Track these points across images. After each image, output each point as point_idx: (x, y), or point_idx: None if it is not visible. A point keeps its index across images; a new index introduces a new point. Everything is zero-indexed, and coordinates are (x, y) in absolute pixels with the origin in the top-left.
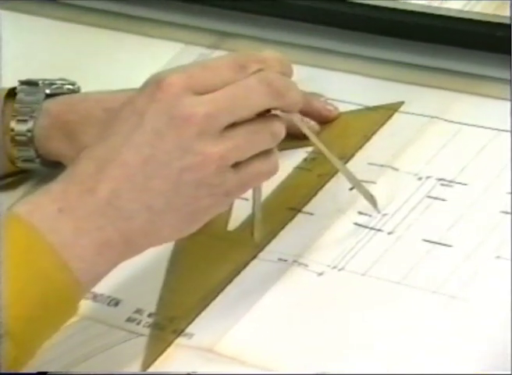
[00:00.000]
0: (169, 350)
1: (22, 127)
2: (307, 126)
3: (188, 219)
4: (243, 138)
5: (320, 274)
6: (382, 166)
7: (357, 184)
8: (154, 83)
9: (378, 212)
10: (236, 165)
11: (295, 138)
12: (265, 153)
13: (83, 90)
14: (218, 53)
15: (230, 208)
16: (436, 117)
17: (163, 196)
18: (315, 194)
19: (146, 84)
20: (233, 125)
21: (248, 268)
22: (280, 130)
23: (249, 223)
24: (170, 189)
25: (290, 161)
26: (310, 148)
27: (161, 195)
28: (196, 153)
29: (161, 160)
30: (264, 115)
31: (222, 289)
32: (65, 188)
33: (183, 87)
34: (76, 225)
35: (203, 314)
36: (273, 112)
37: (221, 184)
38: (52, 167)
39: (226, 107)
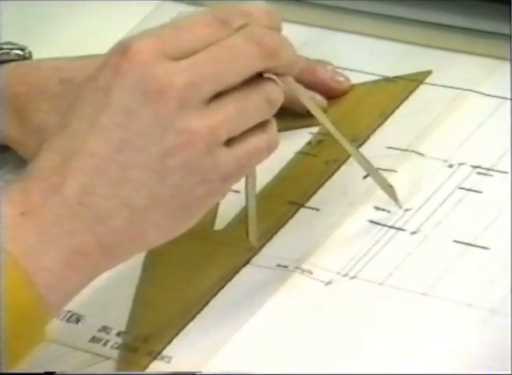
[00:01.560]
0: None
1: None
2: (309, 96)
3: (177, 215)
4: (234, 108)
5: (327, 283)
6: (404, 150)
7: (372, 172)
8: (119, 52)
9: (400, 206)
10: (228, 142)
11: (296, 116)
12: (262, 125)
13: (35, 56)
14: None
15: (217, 203)
16: (470, 90)
17: (144, 189)
18: (322, 185)
19: (109, 55)
20: (219, 94)
21: (239, 276)
22: (277, 95)
23: (241, 221)
24: (152, 179)
25: (291, 145)
26: (315, 129)
27: (141, 188)
28: (179, 131)
29: (138, 145)
30: (256, 79)
31: (207, 302)
32: (25, 187)
33: (155, 53)
34: (41, 231)
35: (183, 332)
36: (265, 76)
37: (214, 167)
38: None
39: (210, 73)
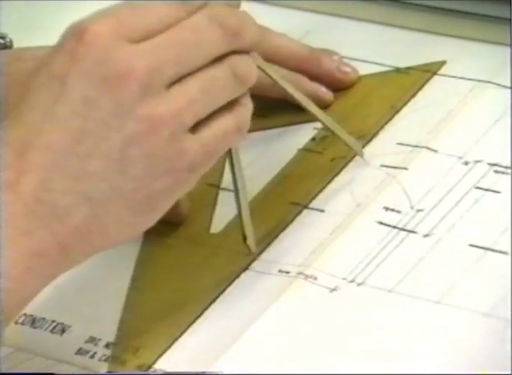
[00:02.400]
0: None
1: None
2: (275, 68)
3: (140, 209)
4: (198, 89)
5: (333, 290)
6: (415, 146)
7: (337, 130)
8: (74, 35)
9: (362, 157)
10: (194, 127)
11: (299, 109)
12: (230, 105)
13: (16, 45)
14: None
15: (214, 204)
16: (487, 81)
17: (105, 181)
18: (327, 184)
19: (63, 39)
20: (182, 77)
21: (237, 283)
22: (245, 68)
23: (238, 223)
24: (113, 171)
25: (294, 141)
26: (319, 124)
27: (102, 181)
28: (140, 118)
29: (97, 134)
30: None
31: (203, 311)
32: None
33: (113, 35)
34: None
35: (177, 344)
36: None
37: (180, 156)
38: None
39: (173, 56)
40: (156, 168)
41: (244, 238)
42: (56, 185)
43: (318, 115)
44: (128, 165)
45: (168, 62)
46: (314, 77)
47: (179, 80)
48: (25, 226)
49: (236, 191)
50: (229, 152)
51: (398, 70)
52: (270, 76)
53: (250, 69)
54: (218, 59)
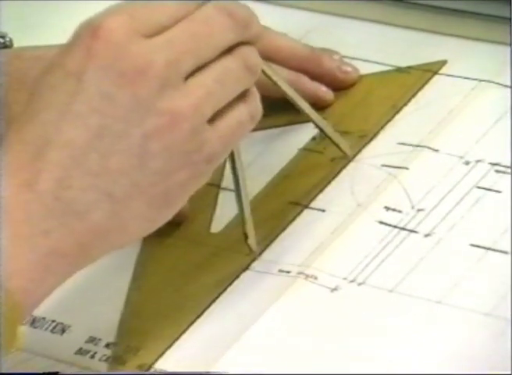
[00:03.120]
0: None
1: None
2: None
3: (159, 203)
4: (214, 81)
5: (333, 290)
6: (416, 146)
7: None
8: (88, 32)
9: (349, 155)
10: (210, 119)
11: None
12: (242, 96)
13: (16, 44)
14: None
15: (214, 204)
16: (488, 81)
17: (125, 177)
18: (327, 184)
19: (77, 36)
20: (196, 70)
21: (238, 283)
22: (254, 59)
23: (239, 223)
24: (134, 166)
25: (294, 140)
26: None
27: (122, 176)
28: (161, 112)
29: (117, 130)
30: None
31: (203, 311)
32: None
33: (127, 30)
34: (14, 231)
35: (177, 344)
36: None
37: (199, 148)
38: None
39: (188, 48)
40: (175, 161)
41: (245, 237)
42: (76, 182)
43: (306, 110)
44: (148, 159)
45: (185, 54)
46: (315, 77)
47: (194, 72)
48: (43, 225)
49: (237, 189)
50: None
51: (399, 70)
52: (264, 72)
53: (258, 59)
54: (227, 51)
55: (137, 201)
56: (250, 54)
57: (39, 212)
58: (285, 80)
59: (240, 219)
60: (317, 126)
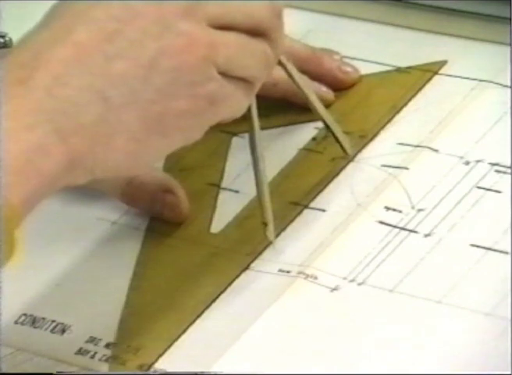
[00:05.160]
0: None
1: None
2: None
3: (152, 124)
4: (235, 41)
5: (333, 289)
6: (416, 146)
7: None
8: None
9: (349, 154)
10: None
11: (300, 109)
12: (245, 82)
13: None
14: None
15: (214, 204)
16: (488, 81)
17: (126, 85)
18: (327, 184)
19: None
20: (224, 27)
21: (238, 282)
22: (272, 57)
23: (240, 223)
24: (138, 76)
25: (294, 140)
26: (320, 123)
27: (124, 83)
28: (180, 32)
29: (132, 38)
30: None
31: (203, 310)
32: None
33: None
34: (3, 125)
35: (177, 344)
36: None
37: (204, 83)
38: None
39: (222, 4)
40: (178, 86)
41: (264, 225)
42: (74, 80)
43: (316, 105)
44: (154, 74)
45: (213, 3)
46: (315, 77)
47: (221, 27)
48: (28, 120)
49: (256, 176)
50: (251, 139)
51: (399, 70)
52: (282, 64)
53: (275, 58)
54: (256, 34)
55: (130, 113)
56: (269, 49)
57: (27, 107)
58: (297, 71)
59: (242, 219)
60: (322, 120)
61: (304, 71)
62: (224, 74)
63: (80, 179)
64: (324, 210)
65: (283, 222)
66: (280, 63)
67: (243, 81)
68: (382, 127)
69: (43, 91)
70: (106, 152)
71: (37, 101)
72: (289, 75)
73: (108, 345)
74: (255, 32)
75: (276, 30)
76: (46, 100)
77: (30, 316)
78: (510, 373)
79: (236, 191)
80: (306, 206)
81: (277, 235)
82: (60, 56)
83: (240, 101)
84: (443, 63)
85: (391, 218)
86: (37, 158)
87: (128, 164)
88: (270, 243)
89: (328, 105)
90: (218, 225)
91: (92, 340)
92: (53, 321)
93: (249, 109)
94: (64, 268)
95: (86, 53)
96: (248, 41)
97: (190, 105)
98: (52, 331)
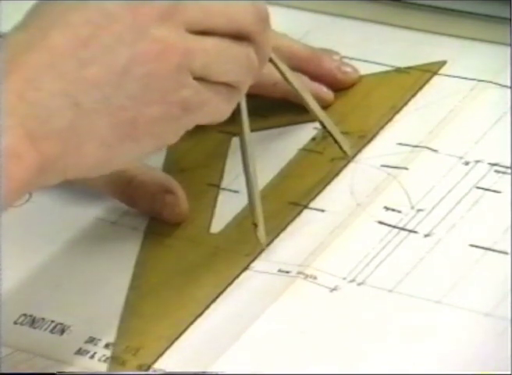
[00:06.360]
0: None
1: None
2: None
3: (124, 131)
4: (214, 46)
5: (333, 290)
6: (415, 146)
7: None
8: None
9: (349, 155)
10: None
11: (299, 109)
12: (227, 87)
13: None
14: None
15: (214, 204)
16: (488, 81)
17: (99, 91)
18: (327, 184)
19: None
20: (203, 32)
21: (237, 283)
22: (257, 60)
23: (239, 223)
24: (111, 83)
25: (294, 141)
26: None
27: (96, 89)
28: (155, 39)
29: (106, 43)
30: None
31: (203, 311)
32: None
33: None
34: None
35: (177, 344)
36: None
37: (177, 90)
38: None
39: (199, 4)
40: (151, 93)
41: (255, 226)
42: (46, 85)
43: (311, 105)
44: (126, 81)
45: (194, 4)
46: (315, 77)
47: (201, 32)
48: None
49: (247, 178)
50: (241, 141)
51: (398, 70)
52: (271, 61)
53: (263, 63)
54: (239, 38)
55: (102, 119)
56: (253, 54)
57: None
58: (292, 72)
59: (242, 219)
60: (320, 122)
61: (303, 71)
62: (202, 80)
63: (52, 181)
64: (323, 210)
65: (283, 222)
66: (274, 65)
67: (225, 86)
68: (382, 127)
69: (14, 94)
70: (77, 157)
71: (8, 104)
72: (284, 77)
73: (107, 345)
74: (238, 36)
75: (261, 33)
76: (17, 104)
77: (30, 316)
78: (510, 373)
79: (236, 191)
80: (305, 206)
81: (277, 235)
82: (34, 61)
83: (221, 106)
84: (443, 63)
85: (390, 218)
86: (8, 164)
87: (99, 168)
88: (260, 244)
89: (327, 105)
90: (217, 225)
91: (91, 340)
92: (52, 321)
93: (239, 111)
94: (63, 268)
95: (59, 58)
96: (229, 46)
97: (162, 112)
98: (52, 331)
